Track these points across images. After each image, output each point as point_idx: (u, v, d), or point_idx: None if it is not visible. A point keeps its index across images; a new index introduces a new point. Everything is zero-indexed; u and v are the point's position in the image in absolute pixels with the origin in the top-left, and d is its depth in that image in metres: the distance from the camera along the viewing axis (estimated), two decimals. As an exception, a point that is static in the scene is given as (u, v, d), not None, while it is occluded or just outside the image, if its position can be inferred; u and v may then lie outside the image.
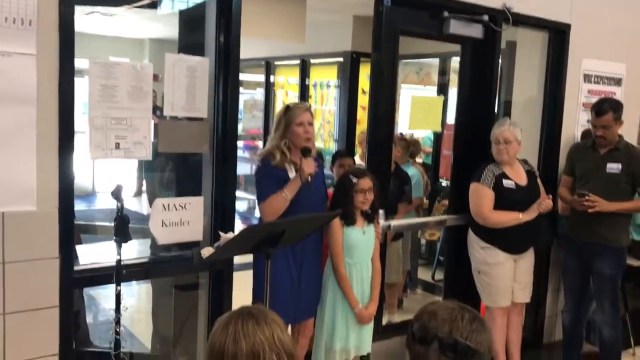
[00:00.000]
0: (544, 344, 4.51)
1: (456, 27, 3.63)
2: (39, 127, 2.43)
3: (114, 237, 2.34)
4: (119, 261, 2.35)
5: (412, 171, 4.94)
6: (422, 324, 1.32)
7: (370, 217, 3.20)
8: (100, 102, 2.64)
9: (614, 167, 3.68)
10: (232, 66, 2.99)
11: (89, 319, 4.53)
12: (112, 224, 2.39)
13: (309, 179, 2.88)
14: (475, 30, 3.76)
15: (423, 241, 6.13)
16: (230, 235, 2.39)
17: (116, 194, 2.33)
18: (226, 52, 2.97)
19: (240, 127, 9.31)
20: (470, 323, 1.31)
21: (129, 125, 2.72)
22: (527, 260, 3.82)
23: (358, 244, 3.14)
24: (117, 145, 2.70)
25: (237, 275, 3.14)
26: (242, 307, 1.48)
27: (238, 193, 9.47)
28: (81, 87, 2.62)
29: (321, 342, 3.18)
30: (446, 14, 3.58)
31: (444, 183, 6.15)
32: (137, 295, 4.67)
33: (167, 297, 3.53)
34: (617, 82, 4.59)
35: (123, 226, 2.32)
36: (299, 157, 2.97)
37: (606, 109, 3.67)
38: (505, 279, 3.72)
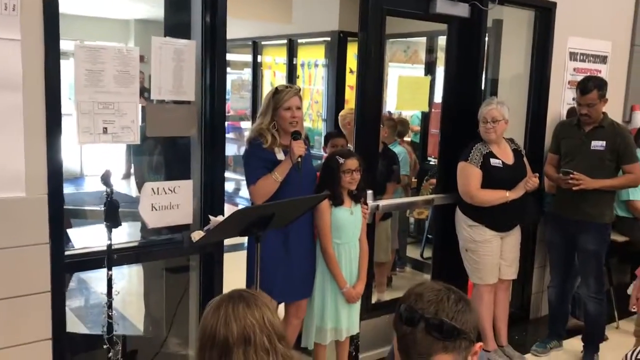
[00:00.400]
0: (530, 319, 4.60)
1: (443, 6, 3.63)
2: (25, 113, 2.43)
3: (105, 222, 2.35)
4: (109, 246, 2.37)
5: (399, 149, 4.96)
6: (409, 305, 1.35)
7: (357, 197, 3.22)
8: (87, 87, 2.63)
9: (598, 145, 3.73)
10: (218, 48, 2.98)
11: (80, 302, 4.56)
12: (102, 208, 2.40)
13: (299, 160, 2.90)
14: (461, 10, 3.76)
15: (412, 220, 6.17)
16: (220, 218, 2.41)
17: (105, 179, 2.33)
18: (212, 34, 2.96)
19: (227, 107, 9.35)
20: (456, 304, 1.34)
21: (116, 110, 2.72)
22: (514, 237, 3.88)
23: (346, 224, 3.17)
24: (105, 130, 2.70)
25: (227, 257, 3.17)
26: (233, 291, 1.50)
27: (226, 174, 9.46)
28: (66, 69, 2.61)
29: (312, 322, 3.22)
30: (433, -7, 3.57)
31: (432, 162, 6.18)
32: (128, 278, 4.68)
33: (159, 280, 3.55)
34: (603, 59, 4.62)
35: (113, 211, 2.33)
36: (288, 140, 2.98)
37: (591, 87, 3.70)
38: (493, 256, 3.78)
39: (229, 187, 8.60)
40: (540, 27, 4.30)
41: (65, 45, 2.59)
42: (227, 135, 9.08)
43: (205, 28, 2.97)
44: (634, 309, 3.91)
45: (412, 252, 5.96)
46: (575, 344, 4.11)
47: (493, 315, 3.95)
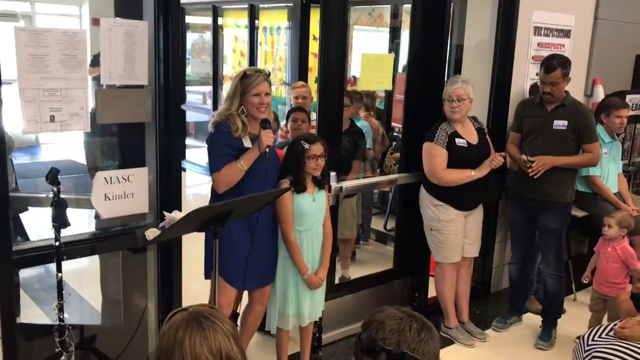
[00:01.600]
0: (491, 293, 4.66)
1: (407, -20, 3.51)
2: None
3: (52, 223, 2.23)
4: (58, 247, 2.25)
5: (362, 123, 4.87)
6: (370, 334, 1.31)
7: (321, 183, 3.16)
8: (31, 73, 2.48)
9: (560, 124, 3.72)
10: (173, 28, 2.83)
11: (38, 284, 4.42)
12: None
13: (267, 150, 2.80)
14: (426, -18, 3.65)
15: (375, 191, 6.15)
16: (175, 214, 2.32)
17: (52, 178, 2.21)
18: (166, 10, 2.80)
19: (188, 69, 9.08)
20: (418, 333, 1.30)
21: (64, 97, 2.57)
22: (477, 215, 3.89)
23: (308, 210, 3.10)
24: (52, 118, 2.56)
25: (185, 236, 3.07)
26: (194, 312, 1.43)
27: (189, 141, 9.23)
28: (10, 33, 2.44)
29: (274, 307, 3.19)
30: (397, -33, 3.45)
31: (397, 133, 6.12)
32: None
33: (115, 260, 3.45)
34: (566, 34, 4.58)
35: (61, 212, 2.21)
36: (255, 127, 2.88)
37: (555, 65, 3.67)
38: (457, 235, 3.79)
39: (191, 155, 8.42)
40: (506, 1, 4.22)
41: (13, 6, 2.41)
42: (193, 99, 8.89)
43: (158, 6, 2.81)
44: (586, 280, 4.02)
45: (376, 223, 5.96)
46: (534, 318, 4.19)
47: (455, 292, 3.98)
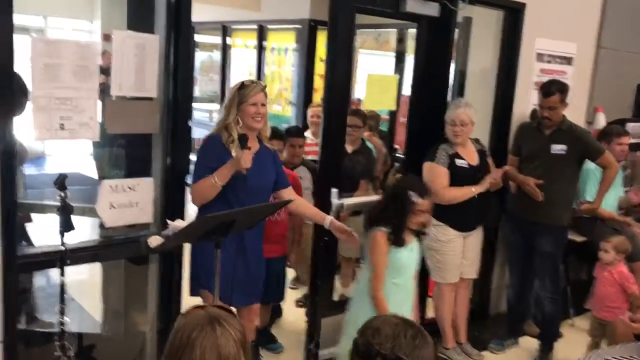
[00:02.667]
0: (490, 315, 4.67)
1: (413, 5, 3.60)
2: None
3: (59, 228, 2.28)
4: (63, 252, 2.30)
5: (371, 144, 4.93)
6: (366, 339, 1.34)
7: (420, 232, 3.03)
8: (44, 82, 2.54)
9: (558, 149, 3.77)
10: (183, 41, 2.91)
11: (40, 293, 4.44)
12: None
13: (244, 172, 2.74)
14: (431, 9, 3.73)
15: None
16: (178, 223, 2.36)
17: (60, 183, 2.26)
18: (177, 28, 2.88)
19: (197, 89, 9.19)
20: (413, 339, 1.34)
21: (74, 106, 2.63)
22: (476, 237, 3.92)
23: (407, 263, 2.94)
24: (62, 126, 2.62)
25: (187, 246, 3.10)
26: (210, 315, 1.45)
27: (194, 157, 9.23)
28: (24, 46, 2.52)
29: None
30: (403, -8, 3.53)
31: (400, 154, 6.16)
32: (89, 266, 4.58)
33: (117, 270, 3.48)
34: (569, 61, 4.66)
35: (66, 217, 2.26)
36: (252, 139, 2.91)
37: (553, 90, 3.75)
38: (455, 256, 3.82)
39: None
40: (509, 27, 4.31)
41: (27, 20, 2.49)
42: (196, 117, 8.95)
43: (169, 18, 2.89)
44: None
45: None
46: (531, 341, 4.20)
47: (453, 313, 4.00)
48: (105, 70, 2.86)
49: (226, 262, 2.86)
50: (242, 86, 2.92)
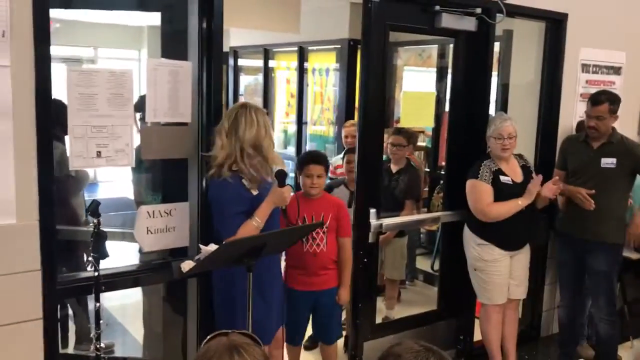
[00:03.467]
0: (541, 337, 4.48)
1: (448, 20, 3.54)
2: (16, 139, 2.39)
3: (91, 254, 2.31)
4: (97, 278, 2.32)
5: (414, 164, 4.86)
6: (387, 367, 1.28)
7: None
8: (80, 111, 2.60)
9: (609, 162, 3.61)
10: (215, 66, 2.93)
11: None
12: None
13: (284, 207, 2.67)
14: (468, 24, 3.65)
15: (422, 230, 6.07)
16: (211, 248, 2.35)
17: (93, 210, 2.29)
18: (209, 56, 2.91)
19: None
20: (435, 367, 1.27)
21: (110, 133, 2.68)
22: (523, 256, 3.78)
23: None
24: (99, 154, 2.66)
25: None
26: (231, 343, 1.42)
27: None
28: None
29: None
30: (437, 7, 3.48)
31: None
32: (134, 290, 4.65)
33: (157, 296, 3.51)
34: (617, 71, 4.49)
35: (100, 243, 2.28)
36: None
37: (603, 99, 3.61)
38: (501, 276, 3.69)
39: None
40: (551, 38, 4.19)
41: (79, 51, 2.56)
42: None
43: (202, 44, 2.92)
44: None
45: (423, 264, 5.87)
46: (587, 364, 4.00)
47: (501, 335, 3.85)
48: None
49: (257, 303, 2.73)
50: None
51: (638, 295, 4.84)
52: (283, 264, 3.25)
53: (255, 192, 2.69)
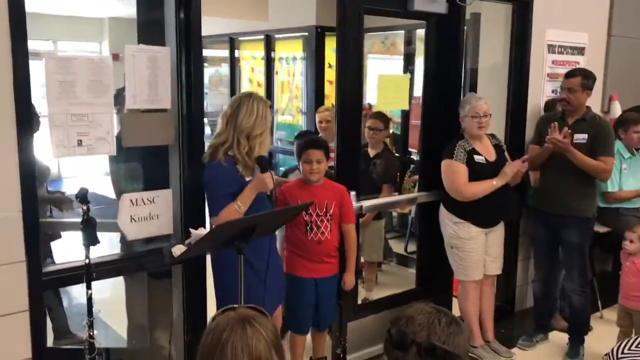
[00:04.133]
0: (516, 312, 4.61)
1: (420, 3, 3.59)
2: (-5, 129, 2.35)
3: (82, 242, 2.29)
4: (88, 265, 2.30)
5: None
6: (400, 329, 1.32)
7: None
8: (59, 99, 2.56)
9: (580, 138, 3.72)
10: (194, 53, 2.92)
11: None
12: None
13: (268, 193, 2.74)
14: (439, 6, 3.72)
15: (394, 214, 6.16)
16: (200, 231, 2.35)
17: (81, 197, 2.26)
18: (187, 39, 2.89)
19: (206, 103, 9.23)
20: (448, 326, 1.32)
21: (90, 121, 2.65)
22: (498, 233, 3.88)
23: None
24: (80, 143, 2.63)
25: (209, 257, 3.09)
26: (241, 315, 1.44)
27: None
28: (38, 70, 2.52)
29: None
30: (410, -11, 3.53)
31: (414, 156, 6.15)
32: (112, 283, 4.59)
33: (141, 285, 3.49)
34: (580, 51, 4.63)
35: (90, 230, 2.26)
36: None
37: (576, 73, 3.77)
38: (478, 252, 3.78)
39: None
40: (518, 20, 4.29)
41: (38, 45, 2.51)
42: (207, 132, 8.94)
43: (179, 33, 2.90)
44: None
45: (396, 246, 5.95)
46: (561, 336, 4.14)
47: (479, 311, 3.95)
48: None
49: (255, 277, 2.83)
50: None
51: (605, 267, 5.04)
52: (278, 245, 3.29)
53: (248, 179, 2.74)
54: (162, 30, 2.96)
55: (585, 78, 3.71)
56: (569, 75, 3.77)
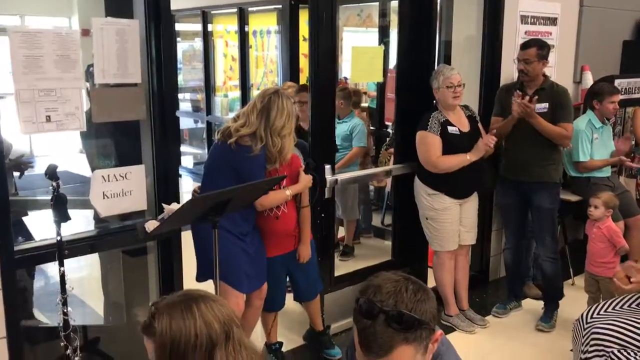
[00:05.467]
0: (490, 281, 4.69)
1: (393, -26, 3.56)
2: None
3: (53, 218, 2.26)
4: (60, 242, 2.28)
5: (356, 121, 4.93)
6: (368, 298, 1.34)
7: None
8: (26, 74, 2.50)
9: (541, 107, 3.77)
10: (164, 26, 2.87)
11: (39, 289, 4.43)
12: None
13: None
14: (412, -23, 3.69)
15: (372, 188, 6.18)
16: (174, 206, 2.34)
17: (50, 173, 2.23)
18: (156, 10, 2.84)
19: (180, 78, 9.11)
20: (415, 294, 1.33)
21: (58, 97, 2.60)
22: (472, 203, 3.92)
23: None
24: (48, 119, 2.58)
25: (185, 234, 3.08)
26: (187, 292, 1.43)
27: (183, 148, 9.20)
28: (5, 46, 2.46)
29: None
30: (383, -40, 3.49)
31: (390, 129, 6.16)
32: (86, 262, 4.57)
33: (116, 263, 3.48)
34: (553, 21, 4.64)
35: (61, 206, 2.24)
36: None
37: (531, 44, 3.81)
38: (452, 223, 3.83)
39: (186, 162, 8.45)
40: (491, -10, 4.27)
41: (2, 20, 2.44)
42: (186, 108, 8.87)
43: (148, 6, 2.85)
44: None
45: (373, 219, 5.99)
46: (534, 303, 4.24)
47: (454, 280, 4.01)
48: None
49: (237, 249, 2.87)
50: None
51: (577, 235, 5.14)
52: None
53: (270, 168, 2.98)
54: (131, 3, 2.90)
55: (540, 48, 3.77)
56: (524, 46, 3.81)
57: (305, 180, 3.14)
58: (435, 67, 4.11)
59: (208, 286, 2.97)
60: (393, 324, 1.30)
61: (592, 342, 2.75)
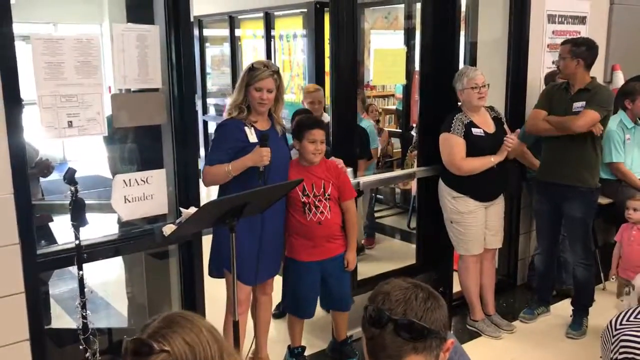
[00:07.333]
0: (517, 285, 4.60)
1: (415, -25, 3.52)
2: (-16, 113, 2.34)
3: (71, 222, 2.29)
4: (78, 246, 2.30)
5: (366, 123, 4.89)
6: (376, 306, 1.31)
7: None
8: (48, 80, 2.54)
9: (578, 106, 3.65)
10: (183, 31, 2.89)
11: (63, 289, 4.49)
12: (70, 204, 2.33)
13: (262, 170, 2.79)
14: (435, -23, 3.65)
15: (397, 190, 6.14)
16: (191, 210, 2.35)
17: (69, 177, 2.26)
18: (176, 16, 2.86)
19: (209, 83, 9.19)
20: (425, 302, 1.30)
21: (80, 102, 2.63)
22: (498, 206, 3.85)
23: None
24: (70, 124, 2.62)
25: (206, 238, 3.10)
26: (173, 316, 1.26)
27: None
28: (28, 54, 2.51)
29: None
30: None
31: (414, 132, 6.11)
32: (115, 265, 4.63)
33: (139, 267, 3.50)
34: (582, 20, 4.54)
35: (79, 211, 2.26)
36: (263, 122, 2.95)
37: (569, 40, 3.72)
38: (477, 227, 3.76)
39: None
40: (517, -10, 4.20)
41: (37, 28, 2.49)
42: (211, 112, 8.91)
43: (168, 11, 2.87)
44: (613, 278, 3.93)
45: (399, 222, 5.95)
46: (562, 308, 4.13)
47: (480, 285, 3.94)
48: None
49: (247, 244, 2.87)
50: (252, 68, 2.93)
51: (608, 239, 5.00)
52: None
53: (252, 139, 2.87)
54: (151, 9, 2.93)
55: (575, 45, 3.63)
56: (562, 43, 3.75)
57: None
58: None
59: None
60: (402, 333, 1.26)
61: (622, 350, 2.66)
